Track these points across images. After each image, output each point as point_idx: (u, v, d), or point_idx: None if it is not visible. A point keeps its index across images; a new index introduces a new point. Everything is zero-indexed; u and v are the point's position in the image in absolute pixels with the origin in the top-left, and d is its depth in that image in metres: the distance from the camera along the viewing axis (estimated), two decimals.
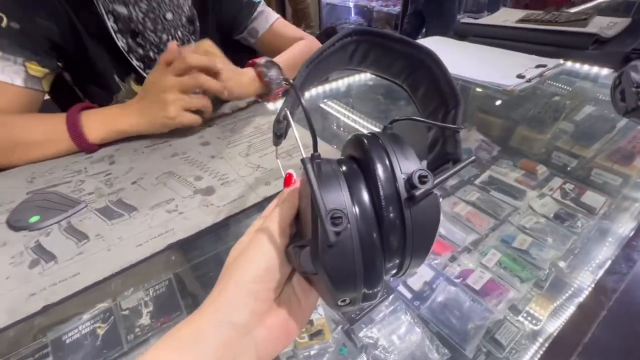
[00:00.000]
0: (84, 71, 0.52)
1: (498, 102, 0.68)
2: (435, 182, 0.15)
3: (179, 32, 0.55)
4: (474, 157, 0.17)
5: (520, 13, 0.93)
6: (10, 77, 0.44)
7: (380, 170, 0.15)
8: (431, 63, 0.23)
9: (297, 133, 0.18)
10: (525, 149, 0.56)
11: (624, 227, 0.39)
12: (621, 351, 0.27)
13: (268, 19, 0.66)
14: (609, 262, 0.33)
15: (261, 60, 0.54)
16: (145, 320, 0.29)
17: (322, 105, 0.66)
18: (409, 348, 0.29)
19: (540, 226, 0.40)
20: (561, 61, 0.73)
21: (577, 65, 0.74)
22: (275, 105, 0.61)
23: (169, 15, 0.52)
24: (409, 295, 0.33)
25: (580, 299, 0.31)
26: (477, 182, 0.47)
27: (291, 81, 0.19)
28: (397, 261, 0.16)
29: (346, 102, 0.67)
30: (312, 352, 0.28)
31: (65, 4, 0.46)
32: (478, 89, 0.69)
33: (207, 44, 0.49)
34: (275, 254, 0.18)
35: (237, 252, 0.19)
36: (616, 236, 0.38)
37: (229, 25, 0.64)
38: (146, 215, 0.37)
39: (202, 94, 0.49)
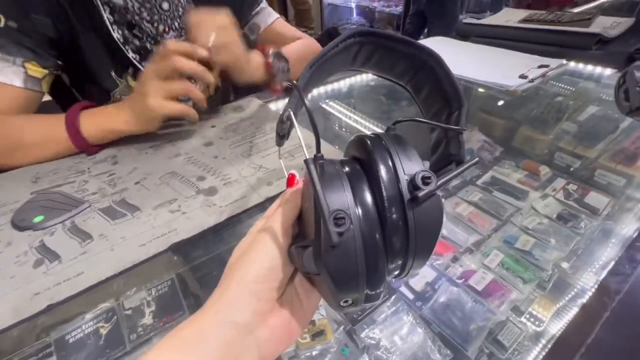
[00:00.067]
0: (81, 69, 0.51)
1: (500, 103, 0.68)
2: (439, 183, 0.15)
3: (176, 23, 0.54)
4: (477, 159, 0.17)
5: (522, 13, 0.93)
6: (9, 78, 0.44)
7: (383, 171, 0.15)
8: (434, 64, 0.23)
9: (300, 132, 0.18)
10: (527, 150, 0.56)
11: (627, 228, 0.39)
12: (624, 352, 0.27)
13: (270, 16, 0.66)
14: (613, 263, 0.33)
15: (271, 49, 0.53)
16: (147, 320, 0.29)
17: (324, 105, 0.66)
18: (411, 349, 0.29)
19: (543, 227, 0.40)
20: (564, 61, 0.73)
21: (580, 66, 0.73)
22: (277, 106, 0.61)
23: (165, 5, 0.52)
24: (411, 296, 0.33)
25: (584, 300, 0.31)
26: (479, 182, 0.47)
27: (295, 82, 0.19)
28: (400, 262, 0.16)
29: (348, 102, 0.67)
30: (314, 353, 0.28)
31: None
32: (480, 90, 0.68)
33: (223, 19, 0.45)
34: (277, 254, 0.18)
35: (239, 252, 0.19)
36: (620, 237, 0.38)
37: None
38: (149, 215, 0.37)
39: (197, 84, 0.47)
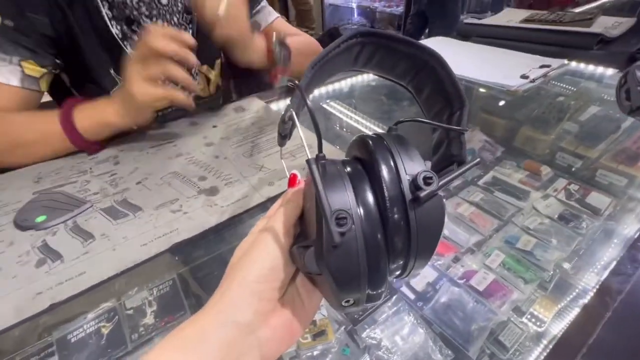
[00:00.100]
0: (80, 68, 0.51)
1: (502, 103, 0.68)
2: (440, 183, 0.15)
3: (175, 18, 0.54)
4: (478, 160, 0.17)
5: (524, 13, 0.92)
6: (5, 77, 0.43)
7: (385, 172, 0.15)
8: (436, 64, 0.23)
9: (302, 132, 0.18)
10: (529, 150, 0.56)
11: (629, 228, 0.39)
12: (626, 352, 0.27)
13: (270, 14, 0.66)
14: (614, 263, 0.33)
15: (275, 35, 0.53)
16: (149, 319, 0.29)
17: (325, 105, 0.66)
18: (412, 349, 0.29)
19: (545, 227, 0.40)
20: (565, 61, 0.73)
21: (582, 66, 0.73)
22: (278, 106, 0.61)
23: (164, 0, 0.52)
24: (412, 296, 0.33)
25: (585, 301, 0.31)
26: (480, 182, 0.47)
27: (297, 82, 0.19)
28: (401, 262, 0.16)
29: (349, 102, 0.67)
30: (315, 353, 0.28)
31: None
32: (481, 90, 0.68)
33: None
34: (279, 254, 0.18)
35: (241, 252, 0.19)
36: (621, 237, 0.38)
37: None
38: (151, 215, 0.37)
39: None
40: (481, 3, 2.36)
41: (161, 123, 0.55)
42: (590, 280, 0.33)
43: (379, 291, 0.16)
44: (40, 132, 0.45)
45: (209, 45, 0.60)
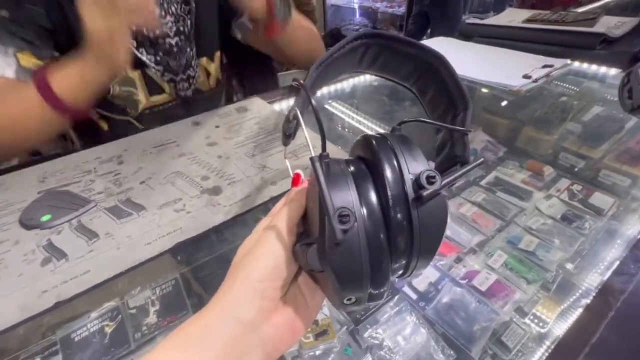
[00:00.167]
0: None
1: (504, 103, 0.68)
2: (443, 182, 0.15)
3: (173, 8, 0.53)
4: (482, 160, 0.17)
5: (526, 13, 0.92)
6: (0, 67, 0.42)
7: (388, 170, 0.16)
8: (440, 66, 0.23)
9: (307, 132, 0.18)
10: (531, 150, 0.55)
11: (633, 229, 0.39)
12: (629, 352, 0.27)
13: None
14: (617, 262, 0.33)
15: None
16: (152, 319, 0.29)
17: (327, 106, 0.66)
18: (414, 349, 0.29)
19: (547, 227, 0.40)
20: (568, 61, 0.73)
21: (585, 65, 0.73)
22: (281, 106, 0.61)
23: None
24: (414, 296, 0.33)
25: (588, 301, 0.30)
26: (483, 183, 0.47)
27: (301, 82, 0.19)
28: (404, 261, 0.16)
29: (351, 103, 0.67)
30: (317, 352, 0.29)
31: None
32: (484, 90, 0.68)
33: None
34: (282, 252, 0.18)
35: (244, 250, 0.20)
36: (625, 237, 0.38)
37: (229, 9, 0.60)
38: (154, 215, 0.38)
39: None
40: (483, 3, 2.35)
41: (164, 123, 0.55)
42: (593, 281, 0.33)
43: (381, 290, 0.16)
44: (18, 106, 0.42)
45: (207, 37, 0.59)
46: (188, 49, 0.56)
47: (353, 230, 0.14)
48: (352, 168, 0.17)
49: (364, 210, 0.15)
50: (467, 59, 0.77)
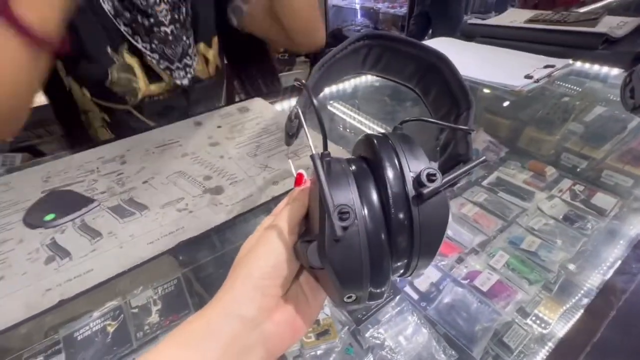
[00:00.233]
0: (77, 48, 0.48)
1: (506, 103, 0.67)
2: (444, 180, 0.15)
3: None
4: (484, 157, 0.17)
5: (528, 13, 0.92)
6: None
7: (388, 168, 0.16)
8: (443, 66, 0.23)
9: (308, 132, 0.18)
10: (533, 150, 0.55)
11: (635, 229, 0.38)
12: (631, 351, 0.27)
13: None
14: (619, 262, 0.33)
15: None
16: (154, 318, 0.30)
17: (328, 106, 0.66)
18: (415, 349, 0.29)
19: (549, 228, 0.40)
20: (570, 61, 0.72)
21: (587, 66, 0.73)
22: (282, 106, 0.61)
23: None
24: (415, 296, 0.33)
25: (590, 301, 0.30)
26: (484, 183, 0.47)
27: (303, 82, 0.19)
28: (404, 259, 0.16)
29: (352, 103, 0.67)
30: (318, 352, 0.29)
31: None
32: (485, 90, 0.68)
33: None
34: (283, 251, 0.18)
35: (246, 249, 0.20)
36: (627, 238, 0.38)
37: None
38: (157, 214, 0.38)
39: None
40: (485, 3, 2.35)
41: (166, 123, 0.56)
42: (595, 282, 0.33)
43: (382, 289, 0.16)
44: None
45: (204, 22, 0.58)
46: (184, 37, 0.56)
47: (353, 227, 0.14)
48: (353, 166, 0.17)
49: (364, 208, 0.15)
50: (468, 59, 0.77)
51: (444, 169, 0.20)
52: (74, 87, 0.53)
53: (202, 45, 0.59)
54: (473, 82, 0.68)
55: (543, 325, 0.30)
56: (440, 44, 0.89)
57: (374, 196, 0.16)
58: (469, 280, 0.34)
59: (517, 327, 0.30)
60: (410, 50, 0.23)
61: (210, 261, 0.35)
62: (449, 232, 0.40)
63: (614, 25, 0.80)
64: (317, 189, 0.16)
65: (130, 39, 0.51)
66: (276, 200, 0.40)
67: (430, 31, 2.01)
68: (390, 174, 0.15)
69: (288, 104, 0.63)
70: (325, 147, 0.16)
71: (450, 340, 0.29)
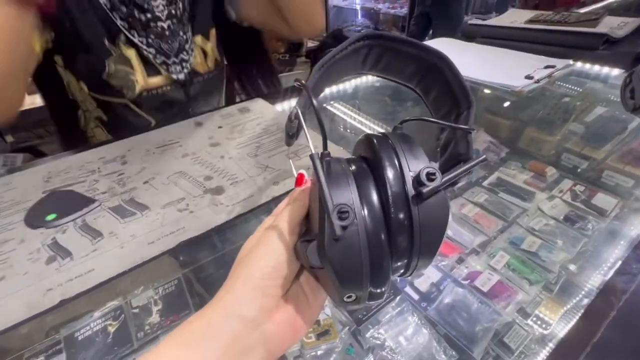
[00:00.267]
0: (75, 41, 0.48)
1: (506, 104, 0.67)
2: (444, 179, 0.15)
3: None
4: (484, 156, 0.17)
5: (528, 14, 0.92)
6: None
7: (388, 168, 0.16)
8: (444, 66, 0.23)
9: (308, 132, 0.19)
10: (534, 151, 0.55)
11: (636, 229, 0.38)
12: (631, 352, 0.27)
13: None
14: (620, 262, 0.33)
15: None
16: (155, 318, 0.30)
17: (329, 107, 0.66)
18: (416, 349, 0.29)
19: (550, 228, 0.40)
20: (571, 62, 0.72)
21: (587, 66, 0.73)
22: (283, 107, 0.62)
23: None
24: (416, 297, 0.33)
25: (590, 302, 0.30)
26: (485, 183, 0.47)
27: (303, 82, 0.19)
28: (404, 258, 0.16)
29: (353, 103, 0.67)
30: (319, 352, 0.29)
31: None
32: (486, 90, 0.68)
33: None
34: (283, 251, 0.18)
35: (247, 249, 0.20)
36: (628, 238, 0.37)
37: None
38: (158, 214, 0.38)
39: None
40: (485, 4, 2.35)
41: (165, 118, 0.55)
42: (596, 282, 0.33)
43: (382, 289, 0.16)
44: None
45: (201, 15, 0.57)
46: (181, 33, 0.55)
47: (352, 226, 0.14)
48: (352, 166, 0.17)
49: (364, 207, 0.15)
50: (469, 60, 0.77)
51: (445, 169, 0.20)
52: (71, 81, 0.53)
53: (199, 38, 0.59)
54: (474, 82, 0.68)
55: (544, 325, 0.30)
56: (440, 45, 0.89)
57: (374, 195, 0.16)
58: (469, 280, 0.34)
59: (517, 327, 0.30)
60: (411, 50, 0.23)
61: (211, 261, 0.35)
62: (449, 232, 0.40)
63: (615, 25, 0.80)
64: (317, 188, 0.16)
65: (126, 33, 0.51)
66: (277, 200, 0.40)
67: (430, 32, 2.01)
68: (389, 173, 0.16)
69: (289, 105, 0.63)
70: (325, 147, 0.16)
71: (450, 341, 0.29)
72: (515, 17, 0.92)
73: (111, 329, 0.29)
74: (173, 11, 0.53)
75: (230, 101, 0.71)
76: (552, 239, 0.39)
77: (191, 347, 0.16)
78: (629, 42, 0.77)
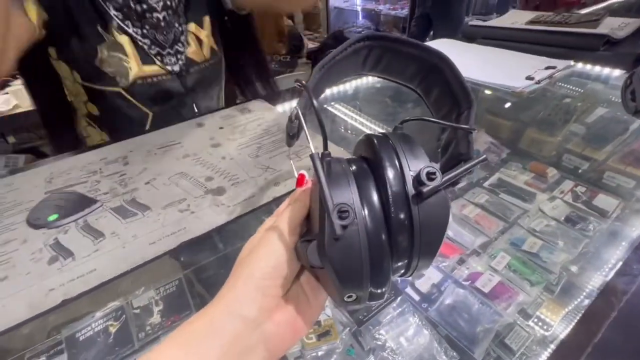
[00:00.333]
0: (67, 26, 0.48)
1: (507, 104, 0.67)
2: (444, 179, 0.15)
3: None
4: (484, 156, 0.17)
5: (529, 15, 0.92)
6: None
7: (388, 167, 0.16)
8: (445, 66, 0.23)
9: (309, 133, 0.19)
10: (535, 152, 0.55)
11: (637, 230, 0.38)
12: (632, 352, 0.26)
13: None
14: (621, 263, 0.33)
15: None
16: (155, 318, 0.30)
17: (329, 108, 0.66)
18: (417, 350, 0.29)
19: (551, 229, 0.40)
20: (571, 62, 0.72)
21: (588, 67, 0.73)
22: (283, 108, 0.62)
23: None
24: (416, 298, 0.33)
25: (591, 303, 0.30)
26: (486, 184, 0.47)
27: (304, 83, 0.20)
28: (405, 258, 0.16)
29: (354, 104, 0.67)
30: (319, 353, 0.29)
31: None
32: (487, 91, 0.68)
33: None
34: (284, 251, 0.18)
35: (248, 249, 0.20)
36: (629, 239, 0.37)
37: None
38: (159, 215, 0.38)
39: None
40: (486, 5, 2.35)
41: (162, 110, 0.55)
42: (597, 283, 0.33)
43: (383, 289, 0.16)
44: None
45: (196, 3, 0.56)
46: (176, 24, 0.55)
47: (352, 226, 0.14)
48: (352, 166, 0.17)
49: (364, 207, 0.15)
50: (469, 61, 0.77)
51: (446, 169, 0.20)
52: (64, 71, 0.52)
53: (193, 26, 0.58)
54: (474, 83, 0.68)
55: (545, 327, 0.30)
56: (441, 46, 0.89)
57: (374, 195, 0.16)
58: (470, 281, 0.34)
59: (518, 328, 0.30)
60: (412, 51, 0.23)
61: (212, 262, 0.36)
62: (450, 233, 0.40)
63: (616, 26, 0.80)
64: (317, 189, 0.16)
65: (120, 24, 0.50)
66: (277, 201, 0.40)
67: (431, 33, 2.01)
68: (390, 172, 0.16)
69: (289, 105, 0.63)
70: (325, 147, 0.17)
71: (451, 342, 0.29)
72: (516, 18, 0.92)
73: (112, 330, 0.29)
74: (169, 2, 0.53)
75: (231, 102, 0.71)
76: (553, 240, 0.38)
77: (192, 347, 0.16)
78: (630, 43, 0.77)
